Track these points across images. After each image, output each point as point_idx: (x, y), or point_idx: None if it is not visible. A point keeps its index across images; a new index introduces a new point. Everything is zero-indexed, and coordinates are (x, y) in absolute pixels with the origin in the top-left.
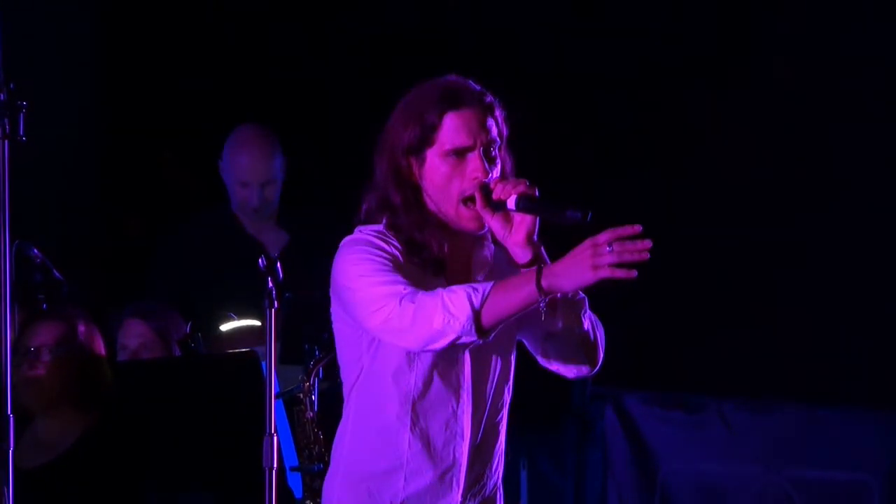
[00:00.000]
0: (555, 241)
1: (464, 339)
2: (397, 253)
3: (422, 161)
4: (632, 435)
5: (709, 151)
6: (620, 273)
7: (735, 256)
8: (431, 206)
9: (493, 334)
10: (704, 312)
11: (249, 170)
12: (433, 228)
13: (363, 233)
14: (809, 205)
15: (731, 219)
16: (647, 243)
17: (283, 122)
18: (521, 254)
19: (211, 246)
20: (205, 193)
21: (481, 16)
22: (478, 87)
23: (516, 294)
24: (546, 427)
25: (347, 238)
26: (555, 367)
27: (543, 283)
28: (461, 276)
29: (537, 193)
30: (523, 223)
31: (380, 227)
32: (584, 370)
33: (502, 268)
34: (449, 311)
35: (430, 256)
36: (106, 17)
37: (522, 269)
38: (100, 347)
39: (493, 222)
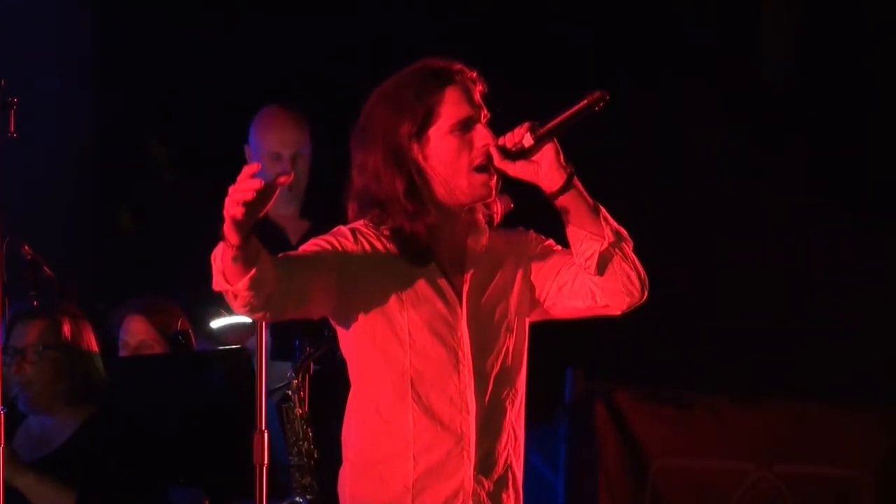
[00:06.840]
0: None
1: (239, 296)
2: (349, 246)
3: (424, 143)
4: (623, 430)
5: (702, 150)
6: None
7: (727, 253)
8: (437, 186)
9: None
10: (696, 308)
11: (281, 141)
12: (426, 217)
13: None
14: (802, 202)
15: (725, 214)
16: (258, 182)
17: (303, 110)
18: (555, 180)
19: None
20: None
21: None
22: (460, 64)
23: (223, 253)
24: (538, 422)
25: None
26: (604, 305)
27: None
28: (455, 265)
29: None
30: (547, 152)
31: (360, 223)
32: (635, 298)
33: (498, 254)
34: (220, 280)
35: (418, 248)
36: (100, 11)
37: (556, 200)
38: (89, 343)
39: (519, 170)
